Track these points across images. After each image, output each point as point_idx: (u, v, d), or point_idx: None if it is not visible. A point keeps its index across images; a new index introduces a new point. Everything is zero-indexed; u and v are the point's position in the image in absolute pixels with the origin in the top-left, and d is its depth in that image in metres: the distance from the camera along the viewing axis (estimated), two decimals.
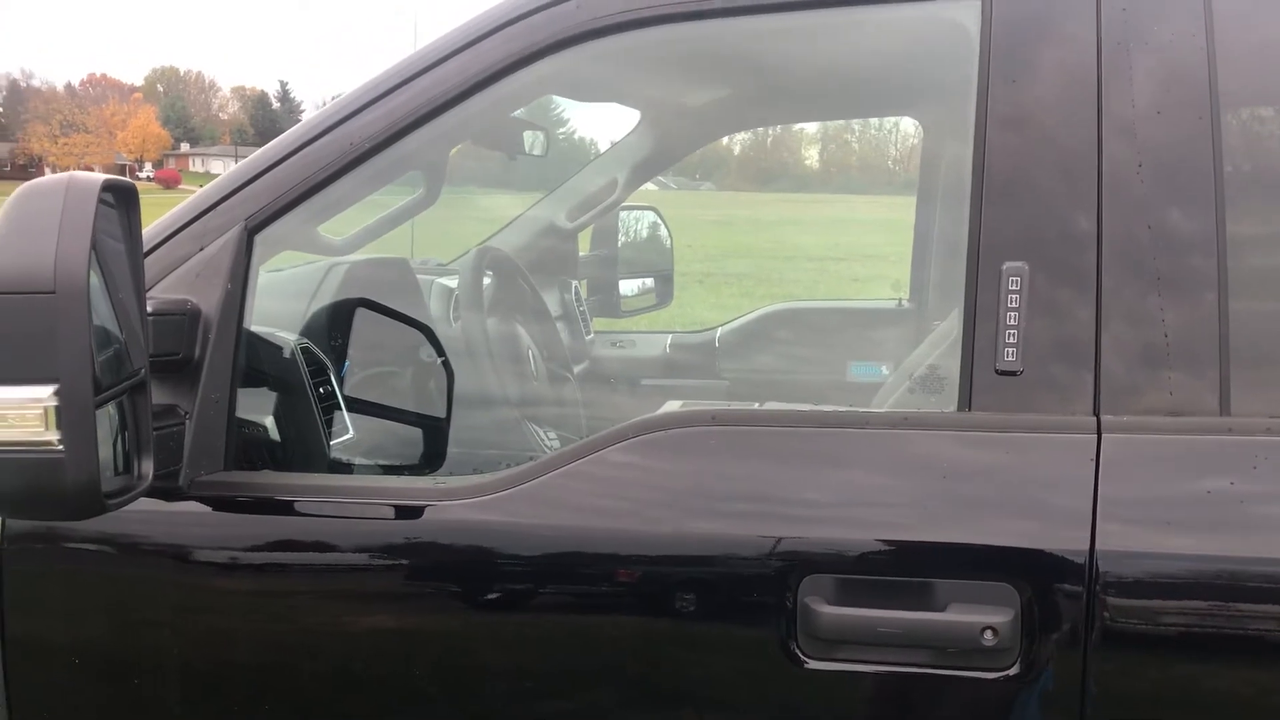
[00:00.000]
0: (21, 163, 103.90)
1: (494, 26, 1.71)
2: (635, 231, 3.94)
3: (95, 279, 1.38)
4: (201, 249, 1.71)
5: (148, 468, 1.49)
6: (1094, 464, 1.44)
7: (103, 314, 1.41)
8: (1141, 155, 1.51)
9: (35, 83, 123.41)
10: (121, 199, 1.47)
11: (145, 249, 1.68)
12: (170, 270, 1.71)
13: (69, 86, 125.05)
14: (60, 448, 1.32)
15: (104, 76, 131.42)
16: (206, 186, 1.80)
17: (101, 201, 1.39)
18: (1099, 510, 1.42)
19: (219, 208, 1.73)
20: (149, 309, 1.54)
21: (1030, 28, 1.56)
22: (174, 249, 1.72)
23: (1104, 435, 1.45)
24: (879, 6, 1.68)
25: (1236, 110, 1.58)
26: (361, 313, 1.99)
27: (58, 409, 1.31)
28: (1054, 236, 1.51)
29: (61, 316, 1.30)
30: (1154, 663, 1.43)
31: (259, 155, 1.77)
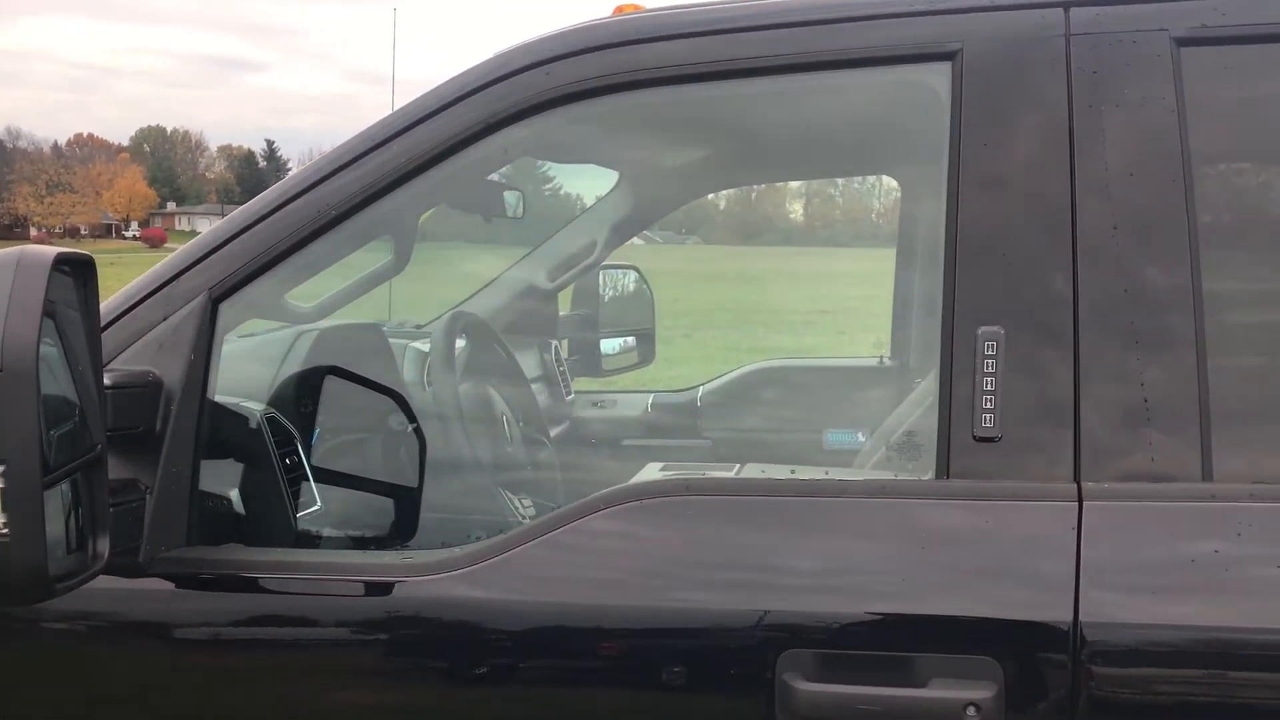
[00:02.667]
0: (6, 223, 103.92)
1: (464, 92, 1.70)
2: (616, 290, 3.91)
3: (55, 353, 1.35)
4: (165, 318, 1.68)
5: (103, 546, 1.45)
6: (1076, 531, 1.41)
7: (62, 387, 1.38)
8: (1116, 215, 1.49)
9: (22, 143, 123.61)
10: (79, 270, 1.44)
11: (109, 318, 1.66)
12: (134, 340, 1.68)
13: (55, 147, 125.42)
14: (5, 531, 1.28)
15: (90, 136, 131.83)
16: (172, 254, 1.77)
17: (60, 273, 1.36)
18: (1082, 579, 1.39)
19: (183, 276, 1.70)
20: (109, 381, 1.51)
21: (1000, 90, 1.55)
22: (137, 318, 1.69)
23: (1085, 502, 1.43)
24: (849, 71, 1.67)
25: (1208, 168, 1.57)
26: (330, 380, 1.96)
27: (3, 491, 1.27)
28: (1030, 299, 1.50)
29: (8, 395, 1.27)
30: None
31: (225, 222, 1.75)
